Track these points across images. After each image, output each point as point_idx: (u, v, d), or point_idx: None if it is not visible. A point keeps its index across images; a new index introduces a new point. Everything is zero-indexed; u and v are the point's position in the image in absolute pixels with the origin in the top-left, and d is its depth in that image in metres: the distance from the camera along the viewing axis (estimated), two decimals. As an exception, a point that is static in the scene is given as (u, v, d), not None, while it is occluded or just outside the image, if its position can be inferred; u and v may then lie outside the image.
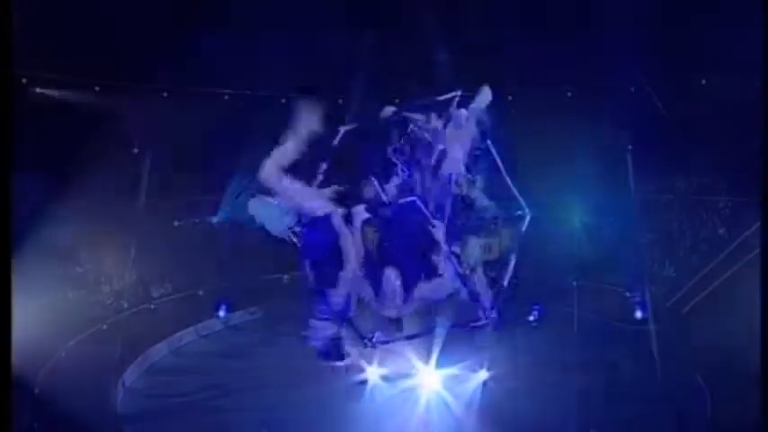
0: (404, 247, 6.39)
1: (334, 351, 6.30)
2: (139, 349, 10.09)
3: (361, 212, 6.46)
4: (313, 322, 6.32)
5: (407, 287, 6.36)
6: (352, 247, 6.32)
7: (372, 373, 10.64)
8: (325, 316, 6.28)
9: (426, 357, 10.61)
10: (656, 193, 10.00)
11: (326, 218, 6.25)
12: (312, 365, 9.86)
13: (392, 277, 6.32)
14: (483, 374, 10.83)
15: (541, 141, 10.00)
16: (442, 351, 10.45)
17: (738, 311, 9.30)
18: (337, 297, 6.19)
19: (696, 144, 9.60)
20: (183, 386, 10.20)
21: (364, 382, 10.78)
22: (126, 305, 10.19)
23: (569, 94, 9.59)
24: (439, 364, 10.62)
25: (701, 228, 9.71)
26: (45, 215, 9.80)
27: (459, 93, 6.49)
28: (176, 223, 10.16)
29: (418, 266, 6.44)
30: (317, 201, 6.33)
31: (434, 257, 6.52)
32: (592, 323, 10.40)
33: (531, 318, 10.54)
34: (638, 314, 10.35)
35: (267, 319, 9.98)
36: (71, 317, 9.92)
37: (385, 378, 10.80)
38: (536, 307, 10.50)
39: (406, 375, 10.76)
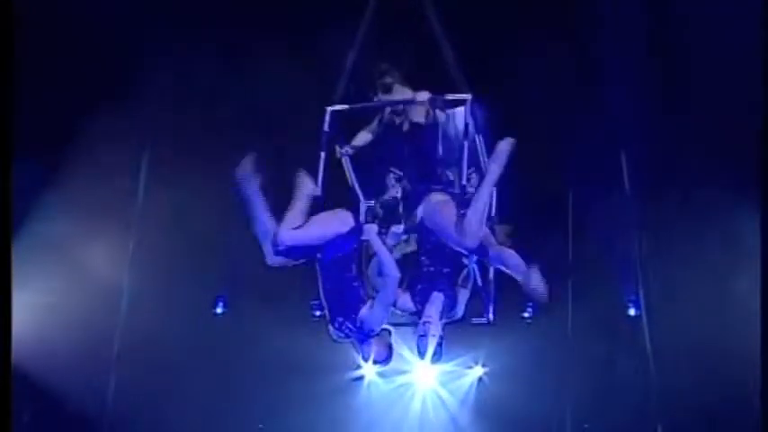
0: (447, 274, 6.13)
1: (389, 351, 6.08)
2: (139, 346, 10.06)
3: (399, 233, 6.12)
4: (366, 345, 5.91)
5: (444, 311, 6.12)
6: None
7: (369, 368, 10.60)
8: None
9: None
10: (652, 190, 9.93)
11: (354, 230, 5.86)
12: (307, 361, 9.91)
13: (440, 302, 5.97)
14: (478, 371, 10.85)
15: (535, 139, 9.93)
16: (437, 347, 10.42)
17: (735, 310, 9.33)
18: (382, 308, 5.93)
19: (694, 142, 9.56)
20: (181, 382, 10.21)
21: (361, 378, 10.77)
22: (126, 303, 10.07)
23: (564, 91, 9.50)
24: (434, 360, 10.57)
25: (698, 225, 9.67)
26: (45, 212, 9.76)
27: (469, 96, 6.11)
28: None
29: (457, 291, 6.21)
30: (340, 222, 5.87)
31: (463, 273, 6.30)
32: (586, 320, 10.39)
33: (526, 315, 10.47)
34: (632, 311, 10.29)
35: (264, 314, 9.89)
36: (72, 315, 9.88)
37: (381, 374, 10.79)
38: (530, 304, 10.45)
39: (402, 371, 10.75)
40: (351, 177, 6.38)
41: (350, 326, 5.78)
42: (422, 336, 5.88)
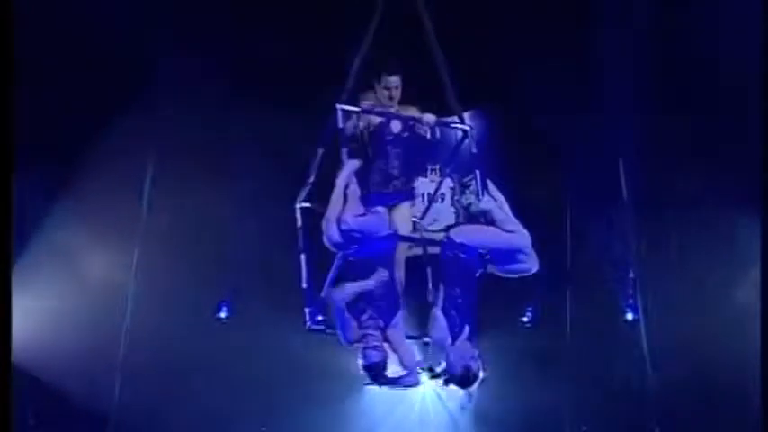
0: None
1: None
2: (143, 350, 9.96)
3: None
4: None
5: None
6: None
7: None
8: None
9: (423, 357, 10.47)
10: (649, 197, 9.84)
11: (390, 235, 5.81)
12: (309, 364, 9.75)
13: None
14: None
15: (535, 148, 9.86)
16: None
17: (732, 314, 9.23)
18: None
19: (690, 150, 9.48)
20: (185, 385, 10.05)
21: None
22: (131, 308, 9.94)
23: (563, 100, 9.40)
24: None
25: (694, 231, 9.57)
26: (47, 216, 9.62)
27: (469, 128, 6.07)
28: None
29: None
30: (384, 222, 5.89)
31: None
32: (584, 325, 10.31)
33: (525, 319, 10.38)
34: (630, 316, 10.17)
35: (267, 318, 9.76)
36: (77, 320, 9.78)
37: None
38: (529, 309, 10.37)
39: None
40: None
41: (379, 322, 5.72)
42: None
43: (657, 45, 9.34)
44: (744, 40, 8.42)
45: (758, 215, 8.09)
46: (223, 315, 10.41)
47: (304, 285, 6.25)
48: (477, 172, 6.03)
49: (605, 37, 9.34)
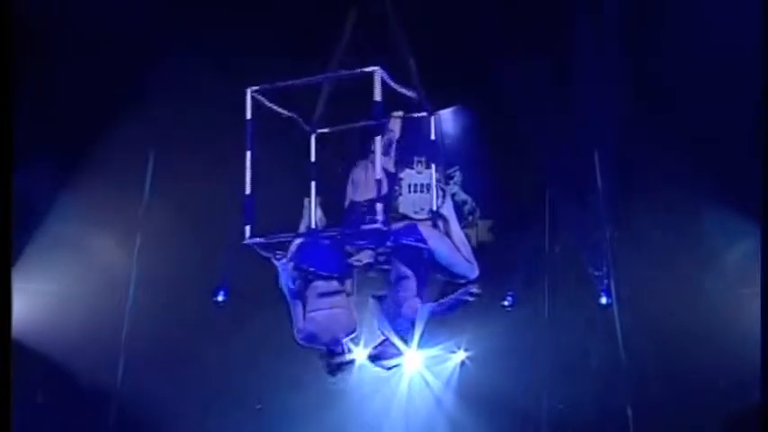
0: None
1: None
2: (145, 331, 9.94)
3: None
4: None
5: None
6: None
7: (359, 353, 10.36)
8: None
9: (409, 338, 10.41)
10: (623, 188, 9.78)
11: None
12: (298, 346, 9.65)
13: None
14: (461, 355, 10.75)
15: (515, 141, 9.74)
16: (423, 333, 10.31)
17: (700, 297, 9.26)
18: None
19: (667, 137, 9.40)
20: (184, 365, 10.03)
21: (352, 362, 10.52)
22: (134, 292, 9.91)
23: (543, 96, 9.29)
24: (420, 345, 10.41)
25: (665, 221, 9.52)
26: (50, 202, 9.55)
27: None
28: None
29: None
30: None
31: None
32: (561, 308, 10.35)
33: (506, 303, 10.34)
34: (604, 300, 10.24)
35: (261, 301, 9.65)
36: (83, 302, 9.75)
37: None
38: (510, 293, 10.34)
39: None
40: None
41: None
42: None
43: (638, 35, 9.15)
44: (724, 32, 8.24)
45: (729, 202, 8.03)
46: (220, 298, 10.46)
47: (248, 191, 5.43)
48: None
49: (590, 31, 9.19)
